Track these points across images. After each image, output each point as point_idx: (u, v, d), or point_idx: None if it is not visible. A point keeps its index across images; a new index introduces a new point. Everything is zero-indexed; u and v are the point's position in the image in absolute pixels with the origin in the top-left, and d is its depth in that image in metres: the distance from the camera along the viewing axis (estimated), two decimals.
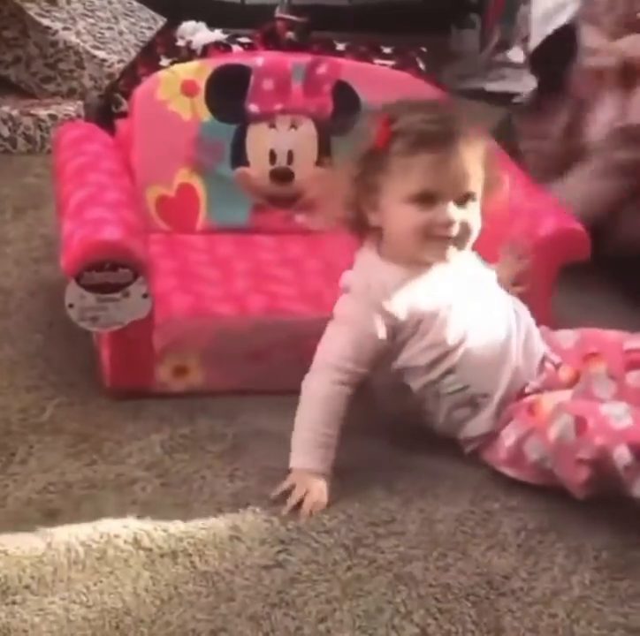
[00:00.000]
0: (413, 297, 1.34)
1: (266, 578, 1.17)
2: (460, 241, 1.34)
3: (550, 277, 1.52)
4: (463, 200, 1.32)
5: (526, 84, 2.75)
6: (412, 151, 1.29)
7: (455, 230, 1.32)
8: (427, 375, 1.35)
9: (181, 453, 1.37)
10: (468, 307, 1.37)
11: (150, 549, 1.20)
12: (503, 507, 1.31)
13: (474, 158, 1.32)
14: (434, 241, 1.33)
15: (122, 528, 1.22)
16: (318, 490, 1.28)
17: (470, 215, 1.33)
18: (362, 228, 1.37)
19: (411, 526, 1.26)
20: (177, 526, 1.24)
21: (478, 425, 1.36)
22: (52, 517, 1.24)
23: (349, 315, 1.35)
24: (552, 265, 1.51)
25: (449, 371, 1.34)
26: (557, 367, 1.41)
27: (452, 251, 1.34)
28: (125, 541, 1.21)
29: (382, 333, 1.33)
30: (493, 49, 2.89)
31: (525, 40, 2.58)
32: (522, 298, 1.46)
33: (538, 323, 1.44)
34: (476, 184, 1.33)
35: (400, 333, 1.34)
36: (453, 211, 1.31)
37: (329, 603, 1.15)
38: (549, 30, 1.95)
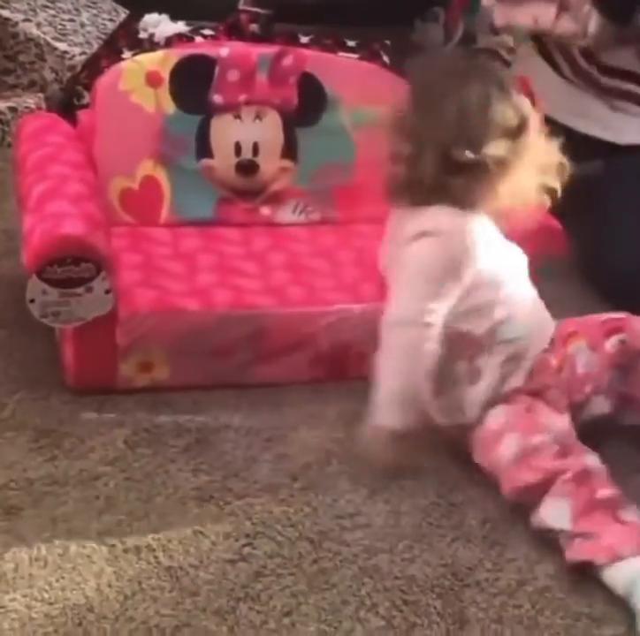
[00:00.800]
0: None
1: (231, 572, 1.17)
2: None
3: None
4: None
5: None
6: None
7: None
8: (491, 316, 1.37)
9: (144, 448, 1.36)
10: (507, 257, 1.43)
11: (113, 545, 1.19)
12: (468, 498, 1.31)
13: None
14: None
15: (84, 524, 1.21)
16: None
17: None
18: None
19: (377, 519, 1.26)
20: (141, 521, 1.23)
21: (514, 381, 1.37)
22: (13, 514, 1.22)
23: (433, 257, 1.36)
24: (530, 260, 1.52)
25: (505, 318, 1.37)
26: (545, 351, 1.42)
27: None
28: (88, 537, 1.20)
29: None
30: (458, 41, 2.90)
31: (496, 33, 2.60)
32: None
33: None
34: None
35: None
36: None
37: (294, 597, 1.14)
38: None
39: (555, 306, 1.45)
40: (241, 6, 2.81)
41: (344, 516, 1.26)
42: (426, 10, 2.95)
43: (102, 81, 1.65)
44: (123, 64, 1.66)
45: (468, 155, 1.37)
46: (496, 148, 1.37)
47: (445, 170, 1.38)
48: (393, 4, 2.83)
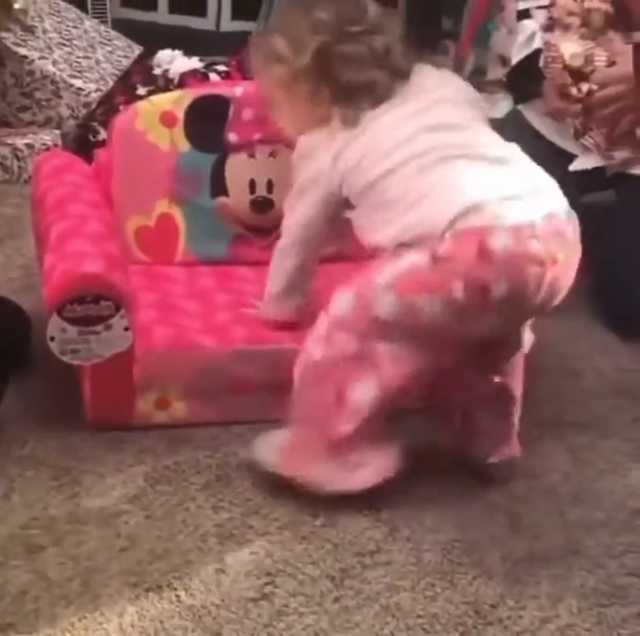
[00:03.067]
0: None
1: (253, 611, 1.17)
2: None
3: None
4: None
5: (502, 109, 2.78)
6: None
7: None
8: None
9: (165, 485, 1.36)
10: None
11: (135, 584, 1.19)
12: (488, 535, 1.31)
13: None
14: None
15: (107, 563, 1.21)
16: None
17: None
18: None
19: (398, 556, 1.26)
20: (162, 560, 1.23)
21: None
22: (36, 552, 1.22)
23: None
24: None
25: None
26: None
27: None
28: (110, 576, 1.20)
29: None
30: (469, 74, 2.92)
31: (505, 64, 2.62)
32: None
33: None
34: None
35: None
36: None
37: None
38: (527, 51, 2.01)
39: (564, 334, 1.45)
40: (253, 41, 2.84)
41: (365, 553, 1.26)
42: (436, 43, 2.98)
43: (119, 121, 1.67)
44: (139, 105, 1.68)
45: None
46: None
47: None
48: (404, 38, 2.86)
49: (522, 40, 2.02)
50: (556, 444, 1.51)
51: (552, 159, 1.70)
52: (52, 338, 1.37)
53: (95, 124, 2.32)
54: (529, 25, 2.02)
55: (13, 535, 1.25)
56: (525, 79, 2.05)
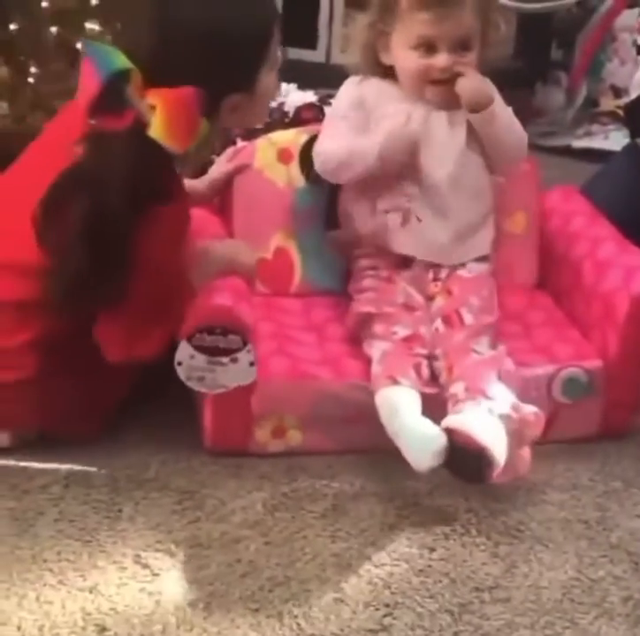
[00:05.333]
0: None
1: None
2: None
3: None
4: (460, 47, 1.53)
5: (614, 141, 2.75)
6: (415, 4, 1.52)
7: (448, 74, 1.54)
8: None
9: (283, 512, 1.38)
10: None
11: (256, 610, 1.21)
12: (608, 574, 1.29)
13: (472, 11, 1.53)
14: (432, 84, 1.56)
15: (227, 588, 1.24)
16: None
17: (466, 63, 1.54)
18: (377, 67, 1.61)
19: (516, 593, 1.25)
20: (281, 587, 1.25)
21: None
22: (159, 575, 1.26)
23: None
24: None
25: None
26: None
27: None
28: (232, 601, 1.22)
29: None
30: (580, 105, 2.90)
31: (617, 96, 2.60)
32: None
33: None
34: (473, 34, 1.55)
35: None
36: (447, 58, 1.53)
37: None
38: None
39: None
40: None
41: (483, 589, 1.26)
42: (548, 73, 2.97)
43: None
44: (257, 142, 1.74)
45: None
46: None
47: None
48: (515, 68, 2.86)
49: None
50: None
51: None
52: (180, 363, 1.42)
53: (214, 156, 2.37)
54: None
55: (138, 557, 1.28)
56: None
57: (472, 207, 1.59)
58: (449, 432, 1.36)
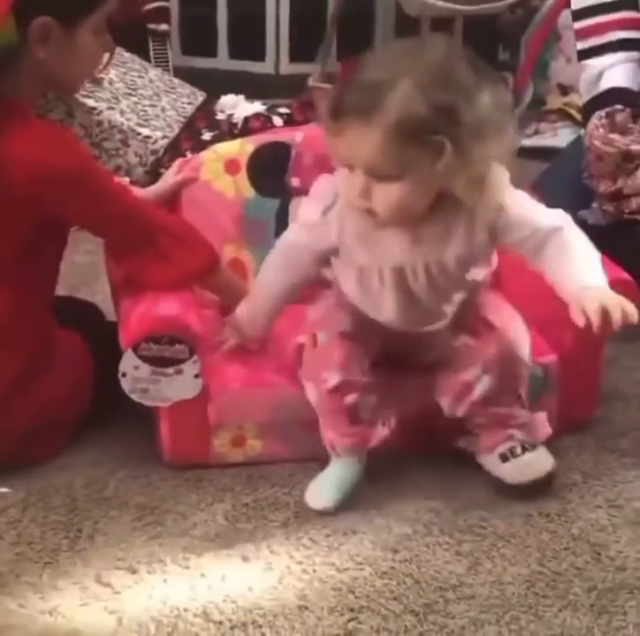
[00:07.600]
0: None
1: None
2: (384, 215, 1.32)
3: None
4: (379, 176, 1.28)
5: (563, 138, 2.78)
6: (330, 120, 1.29)
7: (368, 203, 1.31)
8: None
9: (244, 523, 1.38)
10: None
11: (220, 622, 1.20)
12: (571, 566, 1.30)
13: (388, 135, 1.25)
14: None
15: (191, 602, 1.23)
16: None
17: (390, 192, 1.28)
18: None
19: (481, 590, 1.25)
20: (245, 598, 1.24)
21: None
22: (120, 593, 1.24)
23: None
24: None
25: None
26: None
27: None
28: (195, 615, 1.21)
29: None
30: (528, 105, 2.93)
31: (564, 93, 2.62)
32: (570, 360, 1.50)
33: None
34: (391, 162, 1.26)
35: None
36: (363, 183, 1.29)
37: None
38: (595, 92, 2.01)
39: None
40: (311, 84, 2.90)
41: (447, 587, 1.26)
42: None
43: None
44: (203, 155, 1.73)
45: None
46: None
47: None
48: None
49: (589, 79, 2.01)
50: (638, 472, 1.49)
51: None
52: (124, 374, 1.40)
53: (163, 170, 2.37)
54: (594, 64, 2.01)
55: (99, 576, 1.27)
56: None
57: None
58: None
